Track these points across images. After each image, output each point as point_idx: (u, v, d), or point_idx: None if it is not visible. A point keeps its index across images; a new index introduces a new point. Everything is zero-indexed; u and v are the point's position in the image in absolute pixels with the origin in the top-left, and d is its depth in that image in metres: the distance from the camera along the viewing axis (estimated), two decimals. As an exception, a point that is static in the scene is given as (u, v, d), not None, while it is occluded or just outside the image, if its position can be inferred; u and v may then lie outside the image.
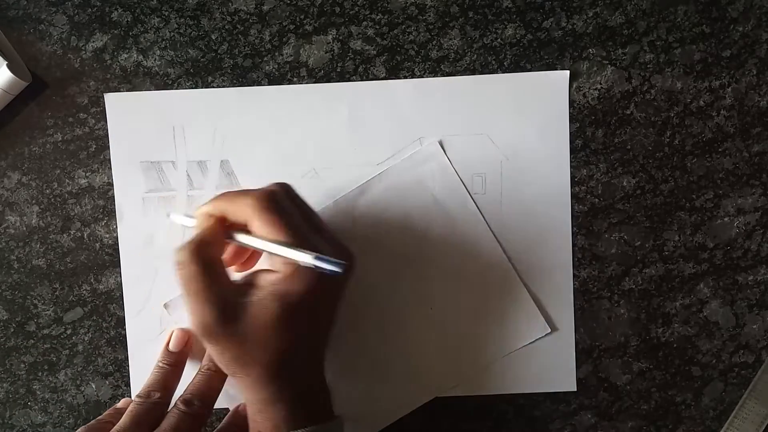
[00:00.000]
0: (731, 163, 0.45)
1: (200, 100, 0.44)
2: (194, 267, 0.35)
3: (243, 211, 0.36)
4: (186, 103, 0.44)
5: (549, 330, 0.45)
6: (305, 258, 0.35)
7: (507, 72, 0.44)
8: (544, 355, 0.45)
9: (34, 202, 0.45)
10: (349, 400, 0.45)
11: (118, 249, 0.45)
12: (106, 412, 0.42)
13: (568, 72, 0.44)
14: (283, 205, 0.37)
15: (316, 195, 0.44)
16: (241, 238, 0.37)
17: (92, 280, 0.45)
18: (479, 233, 0.45)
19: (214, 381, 0.41)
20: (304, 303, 0.36)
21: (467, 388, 0.45)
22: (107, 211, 0.45)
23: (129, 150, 0.44)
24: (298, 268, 0.36)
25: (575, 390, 0.45)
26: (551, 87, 0.44)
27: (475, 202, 0.44)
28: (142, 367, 0.45)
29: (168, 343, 0.43)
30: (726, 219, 0.45)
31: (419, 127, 0.45)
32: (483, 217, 0.44)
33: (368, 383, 0.45)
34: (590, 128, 0.45)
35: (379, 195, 0.44)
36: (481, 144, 0.45)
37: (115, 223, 0.45)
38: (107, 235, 0.45)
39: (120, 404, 0.43)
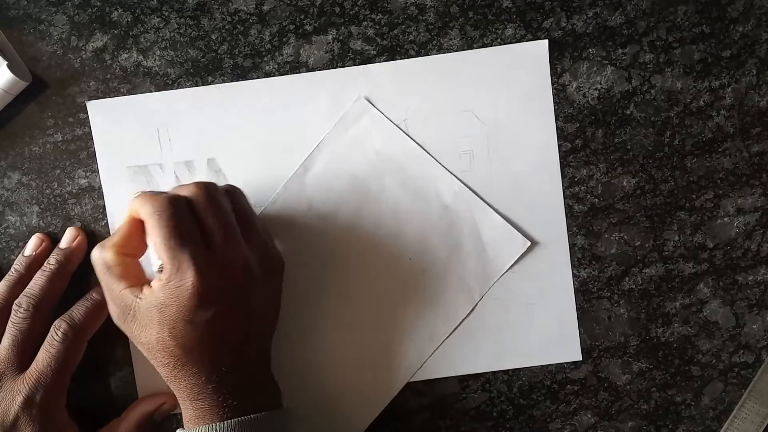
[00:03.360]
0: (731, 163, 0.45)
1: (181, 100, 0.44)
2: (99, 267, 0.38)
3: (142, 215, 0.37)
4: (168, 104, 0.44)
5: (529, 243, 0.44)
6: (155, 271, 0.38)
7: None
8: (544, 326, 0.45)
9: (34, 202, 0.45)
10: (336, 387, 0.45)
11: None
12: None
13: (546, 41, 0.44)
14: (177, 213, 0.36)
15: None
16: (148, 240, 0.40)
17: (93, 280, 0.45)
18: (429, 171, 0.45)
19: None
20: (184, 312, 0.36)
21: (469, 366, 0.45)
22: (107, 212, 0.45)
23: (116, 156, 0.44)
24: (172, 277, 0.36)
25: (581, 359, 0.45)
26: (531, 57, 0.44)
27: (417, 143, 0.44)
28: (146, 366, 0.44)
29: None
30: (726, 219, 0.45)
31: (402, 110, 0.44)
32: (428, 153, 0.44)
33: (360, 360, 0.45)
34: (590, 128, 0.45)
35: (323, 166, 0.44)
36: (466, 121, 0.45)
37: (115, 223, 0.45)
38: (107, 235, 0.45)
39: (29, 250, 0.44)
